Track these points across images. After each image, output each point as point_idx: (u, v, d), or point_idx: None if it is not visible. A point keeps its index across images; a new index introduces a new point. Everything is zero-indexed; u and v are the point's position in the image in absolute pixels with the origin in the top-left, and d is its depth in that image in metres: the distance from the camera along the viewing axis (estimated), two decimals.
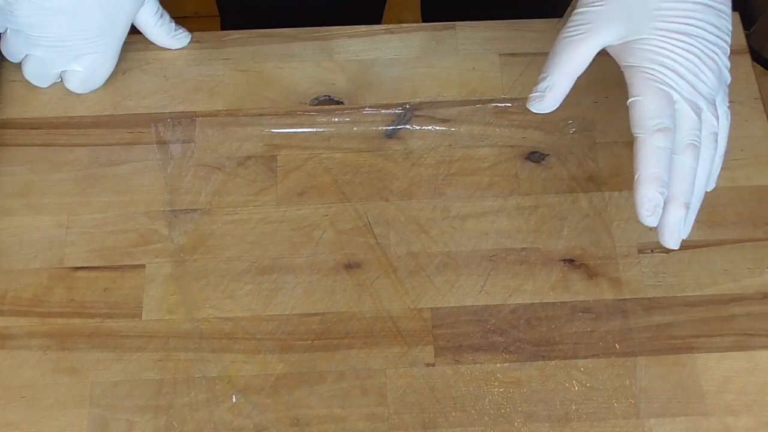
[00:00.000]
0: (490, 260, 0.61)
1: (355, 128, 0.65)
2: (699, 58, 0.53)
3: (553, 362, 0.57)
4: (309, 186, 0.63)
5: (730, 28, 0.55)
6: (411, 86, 0.67)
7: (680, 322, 0.59)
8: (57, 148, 0.64)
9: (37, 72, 0.65)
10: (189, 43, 0.68)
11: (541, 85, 0.55)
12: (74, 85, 0.65)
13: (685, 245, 0.61)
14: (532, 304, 0.59)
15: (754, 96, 0.66)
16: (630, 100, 0.53)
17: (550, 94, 0.54)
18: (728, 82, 0.55)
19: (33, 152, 0.64)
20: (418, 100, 0.66)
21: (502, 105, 0.66)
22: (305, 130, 0.65)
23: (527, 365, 0.57)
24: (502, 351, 0.58)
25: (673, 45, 0.53)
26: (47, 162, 0.63)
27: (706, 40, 0.53)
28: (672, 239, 0.53)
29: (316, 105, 0.66)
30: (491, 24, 0.69)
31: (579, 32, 0.54)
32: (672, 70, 0.52)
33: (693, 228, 0.61)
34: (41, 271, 0.60)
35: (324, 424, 0.55)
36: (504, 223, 0.62)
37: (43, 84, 0.66)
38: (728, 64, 0.55)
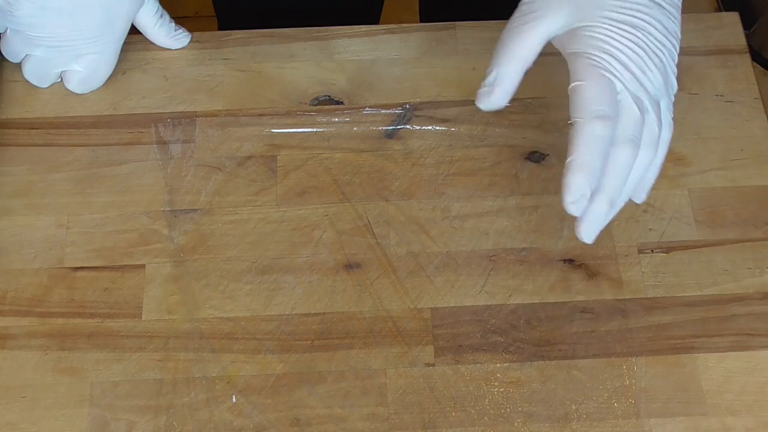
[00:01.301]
0: (490, 260, 0.60)
1: (355, 128, 0.65)
2: (645, 52, 0.51)
3: (553, 362, 0.57)
4: (309, 186, 0.63)
5: (679, 33, 0.53)
6: (411, 86, 0.67)
7: (680, 322, 0.59)
8: (57, 148, 0.64)
9: (37, 72, 0.65)
10: (189, 43, 0.68)
11: (488, 79, 0.52)
12: (74, 85, 0.65)
13: (685, 245, 0.61)
14: (532, 304, 0.59)
15: (754, 96, 0.66)
16: (571, 85, 0.51)
17: (499, 88, 0.52)
18: (675, 91, 0.53)
19: (33, 152, 0.64)
20: (418, 100, 0.66)
21: None
22: (305, 130, 0.65)
23: (527, 365, 0.57)
24: (502, 351, 0.58)
25: (619, 35, 0.51)
26: (47, 162, 0.63)
27: (653, 37, 0.52)
28: (589, 234, 0.50)
29: (316, 105, 0.66)
30: (491, 24, 0.69)
31: (526, 21, 0.52)
32: (617, 60, 0.50)
33: (693, 228, 0.61)
34: (41, 271, 0.60)
35: (324, 424, 0.55)
36: (504, 223, 0.62)
37: (43, 84, 0.66)
38: (675, 70, 0.53)
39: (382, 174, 0.63)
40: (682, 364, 0.57)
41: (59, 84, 0.66)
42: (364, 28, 0.69)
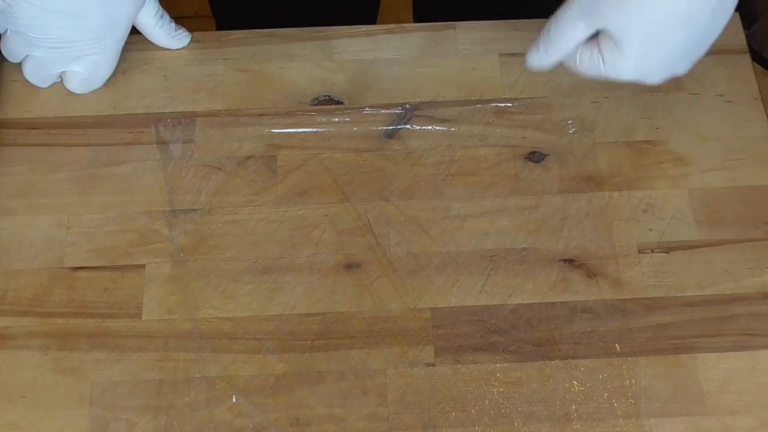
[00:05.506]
0: (490, 260, 0.60)
1: (355, 128, 0.65)
2: None
3: (553, 362, 0.57)
4: (309, 186, 0.63)
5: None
6: (411, 86, 0.67)
7: (680, 322, 0.59)
8: (57, 148, 0.64)
9: (37, 72, 0.65)
10: (189, 43, 0.68)
11: (539, 44, 0.58)
12: (74, 85, 0.65)
13: (685, 245, 0.61)
14: (532, 304, 0.59)
15: (754, 96, 0.66)
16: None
17: (549, 52, 0.58)
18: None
19: (33, 152, 0.64)
20: (418, 100, 0.66)
21: (502, 105, 0.66)
22: (305, 130, 0.65)
23: (527, 365, 0.57)
24: (502, 351, 0.58)
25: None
26: (47, 162, 0.63)
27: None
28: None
29: (316, 105, 0.66)
30: (491, 24, 0.69)
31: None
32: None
33: (693, 228, 0.61)
34: (41, 271, 0.60)
35: (324, 424, 0.55)
36: (504, 223, 0.62)
37: (43, 84, 0.66)
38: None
39: (382, 174, 0.63)
40: (682, 364, 0.57)
41: (59, 84, 0.66)
42: (364, 28, 0.69)
